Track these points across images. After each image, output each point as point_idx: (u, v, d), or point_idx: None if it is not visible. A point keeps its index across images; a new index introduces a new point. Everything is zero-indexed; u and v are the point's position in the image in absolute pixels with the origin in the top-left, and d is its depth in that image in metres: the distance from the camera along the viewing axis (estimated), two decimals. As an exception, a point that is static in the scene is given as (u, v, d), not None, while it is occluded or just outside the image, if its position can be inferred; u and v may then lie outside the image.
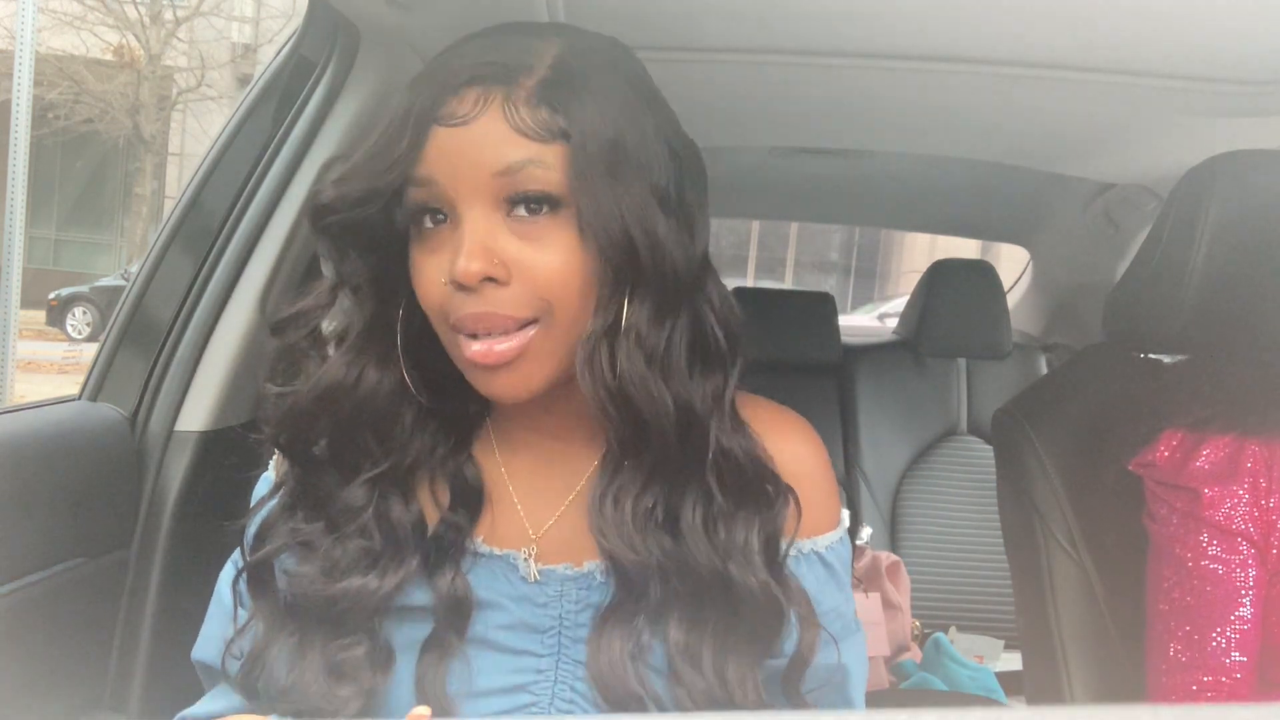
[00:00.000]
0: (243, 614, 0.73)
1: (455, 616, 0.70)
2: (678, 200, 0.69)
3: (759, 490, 0.72)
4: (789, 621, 0.70)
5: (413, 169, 0.65)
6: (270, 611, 0.71)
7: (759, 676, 0.70)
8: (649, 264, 0.66)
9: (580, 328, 0.66)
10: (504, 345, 0.65)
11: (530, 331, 0.66)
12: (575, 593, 0.72)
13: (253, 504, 0.76)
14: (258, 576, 0.72)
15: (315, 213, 0.69)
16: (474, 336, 0.65)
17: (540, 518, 0.75)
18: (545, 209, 0.65)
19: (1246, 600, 1.00)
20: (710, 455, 0.70)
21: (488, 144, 0.64)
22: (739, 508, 0.71)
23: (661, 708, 0.68)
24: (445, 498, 0.74)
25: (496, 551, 0.73)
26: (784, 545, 0.72)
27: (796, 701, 0.72)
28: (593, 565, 0.73)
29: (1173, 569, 1.05)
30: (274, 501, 0.74)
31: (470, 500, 0.74)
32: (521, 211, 0.65)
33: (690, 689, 0.68)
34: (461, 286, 0.64)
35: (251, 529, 0.74)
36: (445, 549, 0.72)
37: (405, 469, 0.73)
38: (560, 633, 0.72)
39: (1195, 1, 1.00)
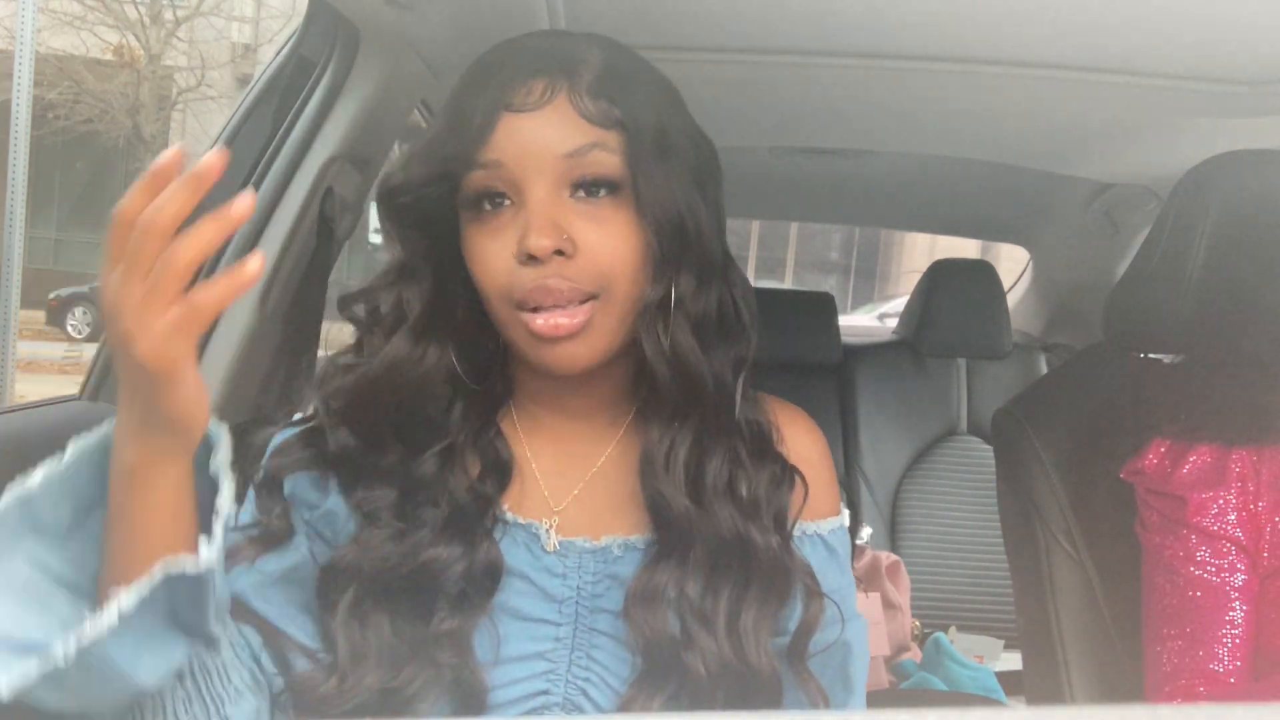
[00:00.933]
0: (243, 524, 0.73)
1: (487, 582, 0.73)
2: (709, 188, 0.75)
3: (772, 460, 0.76)
4: (796, 588, 0.74)
5: (479, 153, 0.69)
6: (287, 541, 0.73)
7: (770, 633, 0.73)
8: (695, 243, 0.72)
9: (632, 304, 0.71)
10: (568, 318, 0.69)
11: (591, 305, 0.70)
12: (593, 565, 0.75)
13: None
14: (269, 489, 0.73)
15: (387, 194, 0.72)
16: (536, 310, 0.69)
17: (561, 493, 0.78)
18: (604, 192, 0.70)
19: (1237, 605, 1.00)
20: (735, 419, 0.75)
21: (556, 128, 0.69)
22: (758, 473, 0.75)
23: (686, 652, 0.71)
24: (476, 471, 0.76)
25: (520, 520, 0.76)
26: (790, 522, 0.76)
27: (801, 674, 0.74)
28: (610, 540, 0.76)
29: (1164, 575, 1.05)
30: (295, 431, 0.75)
31: (501, 474, 0.77)
32: (582, 194, 0.70)
33: (708, 642, 0.71)
34: (531, 259, 0.68)
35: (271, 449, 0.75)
36: (479, 519, 0.74)
37: (453, 445, 0.76)
38: (578, 603, 0.75)
39: (1195, 1, 1.00)
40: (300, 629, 0.72)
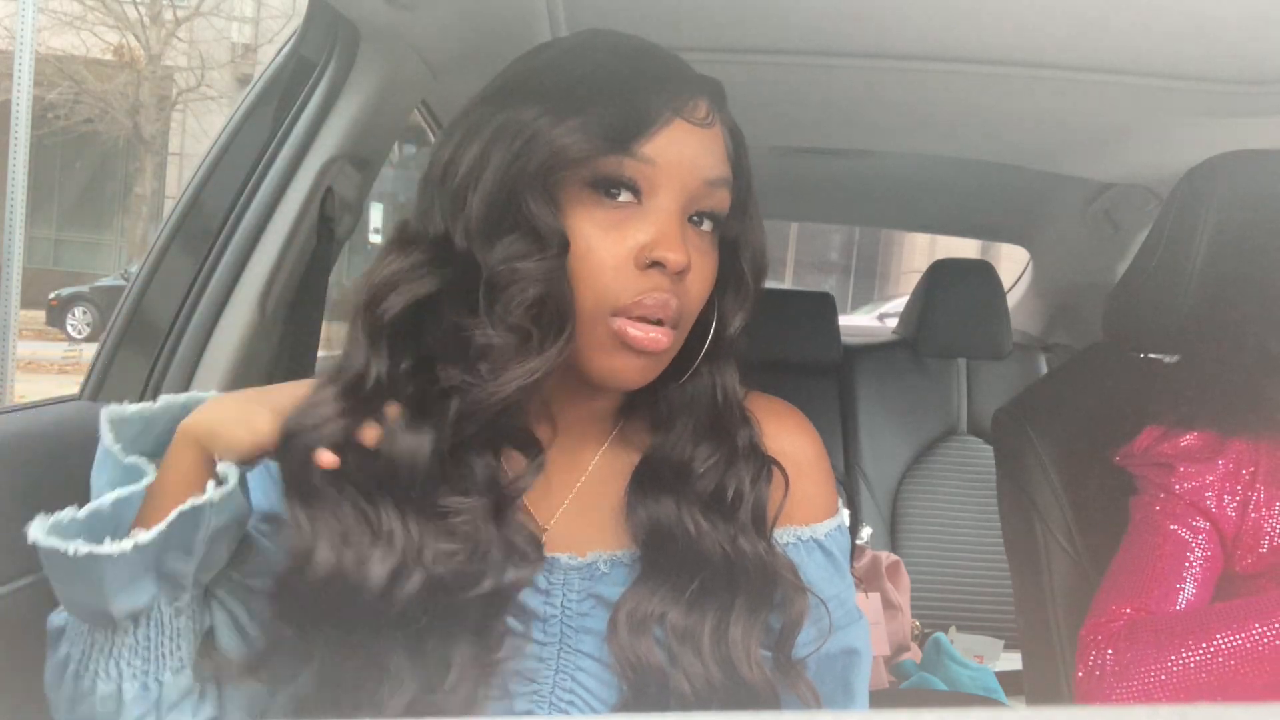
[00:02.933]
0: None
1: (496, 653, 0.70)
2: None
3: (754, 457, 0.76)
4: (780, 590, 0.73)
5: (638, 144, 0.67)
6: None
7: (759, 643, 0.72)
8: (758, 291, 0.75)
9: (684, 335, 0.72)
10: (665, 336, 0.68)
11: (674, 331, 0.69)
12: (578, 582, 0.74)
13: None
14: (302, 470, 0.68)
15: (553, 163, 0.66)
16: (638, 319, 0.67)
17: (545, 510, 0.76)
18: (710, 225, 0.72)
19: (1194, 571, 1.02)
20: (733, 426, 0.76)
21: (710, 153, 0.70)
22: (741, 473, 0.74)
23: (671, 677, 0.70)
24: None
25: None
26: (770, 518, 0.75)
27: (789, 674, 0.73)
28: (596, 555, 0.74)
29: (1139, 518, 1.08)
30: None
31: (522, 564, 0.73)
32: (696, 221, 0.71)
33: (695, 664, 0.70)
34: (655, 266, 0.67)
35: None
36: (502, 608, 0.72)
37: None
38: (562, 621, 0.73)
39: (1195, 1, 1.00)
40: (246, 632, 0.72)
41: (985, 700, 1.86)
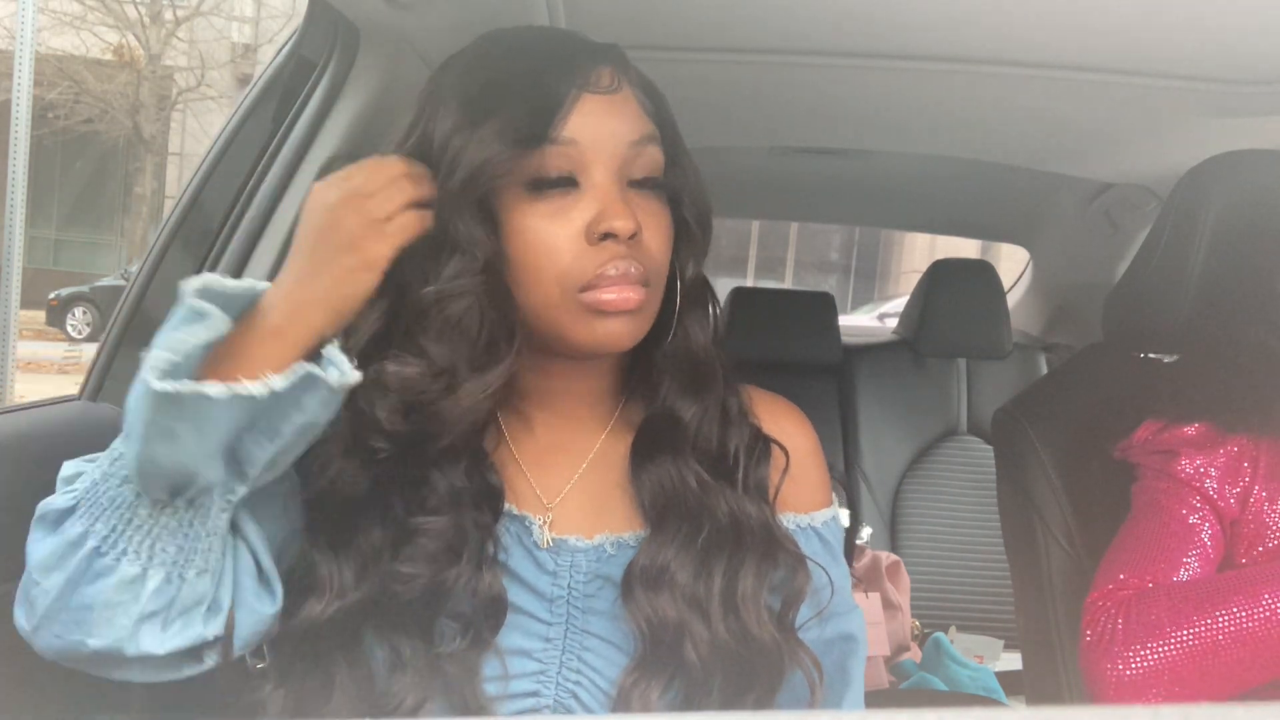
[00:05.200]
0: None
1: (492, 616, 0.72)
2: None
3: (750, 432, 0.78)
4: (784, 556, 0.75)
5: (554, 130, 0.69)
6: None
7: (765, 602, 0.74)
8: (708, 235, 0.77)
9: (660, 293, 0.74)
10: (635, 293, 0.70)
11: (645, 289, 0.71)
12: (586, 564, 0.75)
13: None
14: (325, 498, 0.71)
15: (478, 177, 0.68)
16: (603, 288, 0.69)
17: (551, 490, 0.78)
18: (650, 185, 0.73)
19: (1198, 550, 1.02)
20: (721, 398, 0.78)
21: (626, 116, 0.72)
22: (740, 444, 0.77)
23: (686, 626, 0.71)
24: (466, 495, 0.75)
25: (515, 511, 0.76)
26: (771, 492, 0.77)
27: (793, 646, 0.75)
28: (603, 538, 0.76)
29: (1142, 501, 1.08)
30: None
31: (493, 499, 0.75)
32: (637, 185, 0.72)
33: (708, 619, 0.72)
34: (606, 238, 0.69)
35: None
36: (481, 546, 0.74)
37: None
38: (569, 602, 0.74)
39: (1195, 1, 1.00)
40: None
41: (985, 700, 1.86)
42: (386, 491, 0.71)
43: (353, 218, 0.66)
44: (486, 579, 0.71)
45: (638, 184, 0.72)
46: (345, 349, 0.66)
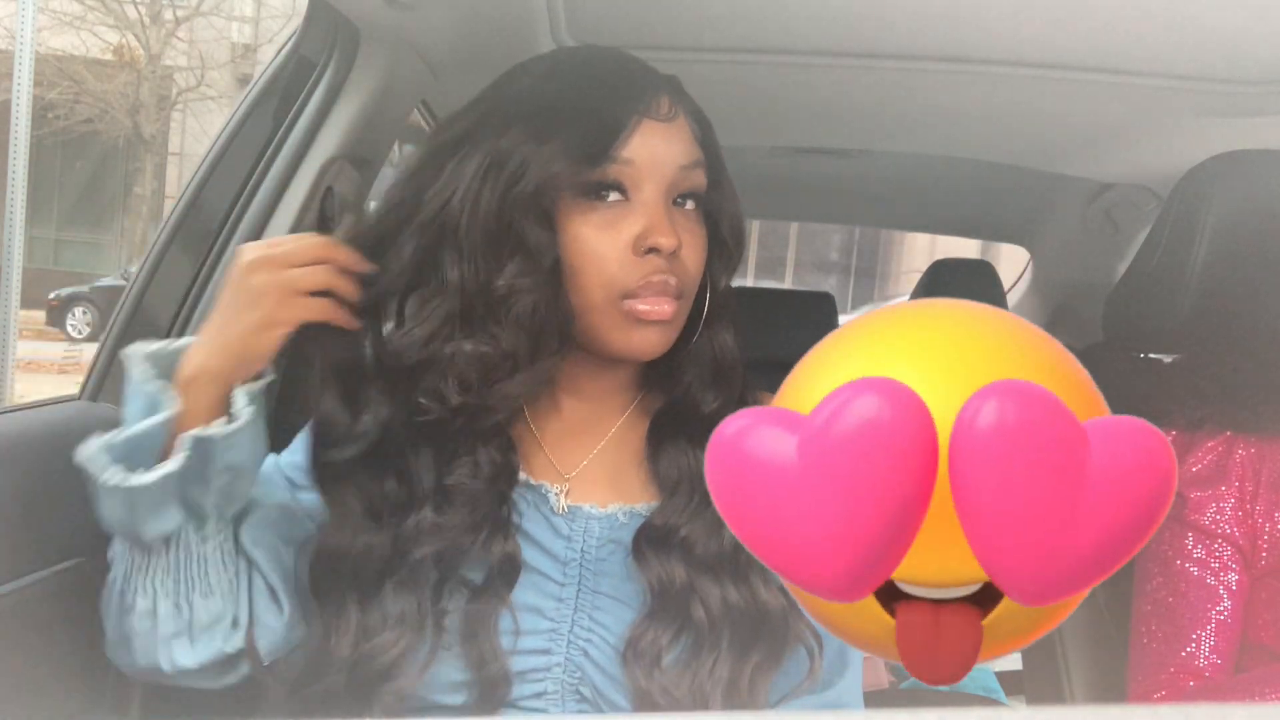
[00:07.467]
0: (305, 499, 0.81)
1: (506, 575, 0.77)
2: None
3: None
4: None
5: (615, 149, 0.76)
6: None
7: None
8: (741, 252, 0.84)
9: (690, 304, 0.80)
10: (670, 306, 0.77)
11: (678, 302, 0.78)
12: (599, 530, 0.80)
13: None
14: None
15: (546, 187, 0.75)
16: (643, 297, 0.76)
17: (569, 464, 0.84)
18: (692, 204, 0.80)
19: (1226, 604, 1.01)
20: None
21: (680, 142, 0.79)
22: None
23: (695, 584, 0.76)
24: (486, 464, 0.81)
25: (531, 481, 0.82)
26: None
27: (795, 608, 0.77)
28: (615, 508, 0.81)
29: (1157, 567, 1.06)
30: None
31: (509, 462, 0.81)
32: (679, 202, 0.79)
33: (718, 579, 0.76)
34: (652, 252, 0.75)
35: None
36: (497, 506, 0.80)
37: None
38: (581, 565, 0.79)
39: (1195, 1, 1.00)
40: (281, 579, 0.79)
41: (985, 700, 1.86)
42: (415, 455, 0.78)
43: (267, 279, 0.73)
44: (501, 539, 0.77)
45: (681, 203, 0.79)
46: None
